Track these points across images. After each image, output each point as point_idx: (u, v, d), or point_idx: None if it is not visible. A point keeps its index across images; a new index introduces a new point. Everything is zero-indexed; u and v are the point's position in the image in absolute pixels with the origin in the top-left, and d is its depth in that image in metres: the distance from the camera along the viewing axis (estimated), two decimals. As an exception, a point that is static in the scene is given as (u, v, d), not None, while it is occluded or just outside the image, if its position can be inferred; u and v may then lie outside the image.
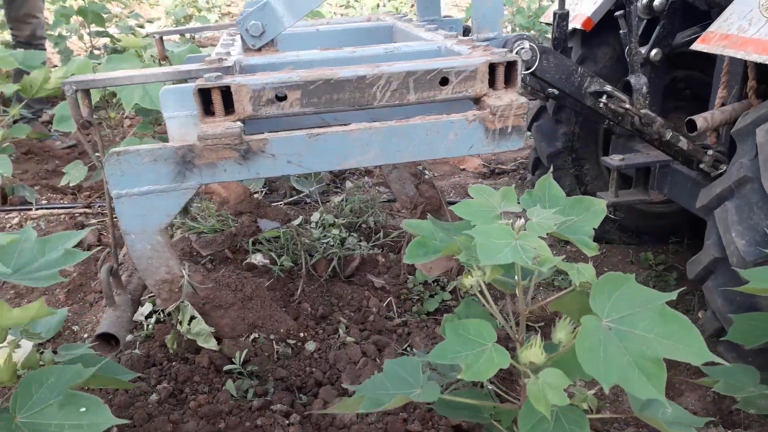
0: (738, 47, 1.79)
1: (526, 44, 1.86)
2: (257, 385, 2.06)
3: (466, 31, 2.55)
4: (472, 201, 1.48)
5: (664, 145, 2.14)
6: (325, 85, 1.49)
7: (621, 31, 2.28)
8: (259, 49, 1.85)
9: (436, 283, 2.63)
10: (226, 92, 1.45)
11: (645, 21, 2.37)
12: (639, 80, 2.08)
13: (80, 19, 5.44)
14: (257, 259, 2.74)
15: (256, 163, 1.44)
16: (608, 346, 1.20)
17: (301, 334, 2.34)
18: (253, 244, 2.75)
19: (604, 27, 2.60)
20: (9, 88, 3.07)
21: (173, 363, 2.17)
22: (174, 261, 1.49)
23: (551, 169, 3.00)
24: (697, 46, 1.96)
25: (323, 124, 1.78)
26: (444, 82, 1.54)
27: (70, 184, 3.23)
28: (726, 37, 1.86)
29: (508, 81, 1.57)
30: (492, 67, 1.55)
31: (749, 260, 1.72)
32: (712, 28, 1.94)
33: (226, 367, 2.03)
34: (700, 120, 2.01)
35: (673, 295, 1.27)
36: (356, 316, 2.48)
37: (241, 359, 2.03)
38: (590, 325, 1.24)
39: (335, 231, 3.03)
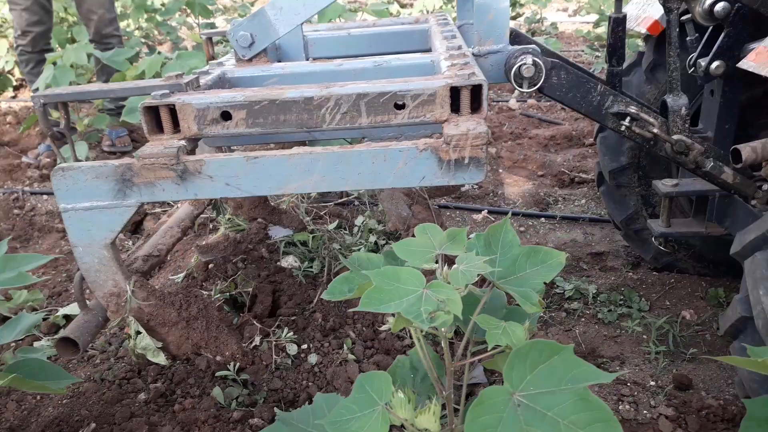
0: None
1: (529, 59, 1.66)
2: (247, 393, 2.07)
3: (515, 37, 2.36)
4: (413, 240, 1.36)
5: (706, 176, 1.84)
6: (271, 105, 1.42)
7: (687, 38, 1.99)
8: (251, 60, 1.82)
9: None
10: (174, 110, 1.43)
11: (708, 29, 2.04)
12: (678, 100, 1.79)
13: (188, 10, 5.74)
14: (288, 261, 2.75)
15: (194, 184, 1.41)
16: (509, 426, 1.05)
17: (304, 346, 2.32)
18: (287, 246, 2.76)
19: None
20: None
21: (176, 363, 2.23)
22: (120, 275, 1.50)
23: (614, 186, 2.74)
24: (744, 63, 1.65)
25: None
26: (400, 106, 1.41)
27: None
28: (780, 55, 1.55)
29: (475, 106, 1.41)
30: (456, 91, 1.40)
31: (774, 326, 1.43)
32: (765, 42, 1.62)
33: (219, 373, 2.05)
34: (747, 150, 1.70)
35: (609, 378, 1.08)
36: (367, 332, 2.40)
37: (236, 366, 2.04)
38: (495, 397, 1.09)
39: (372, 238, 2.97)
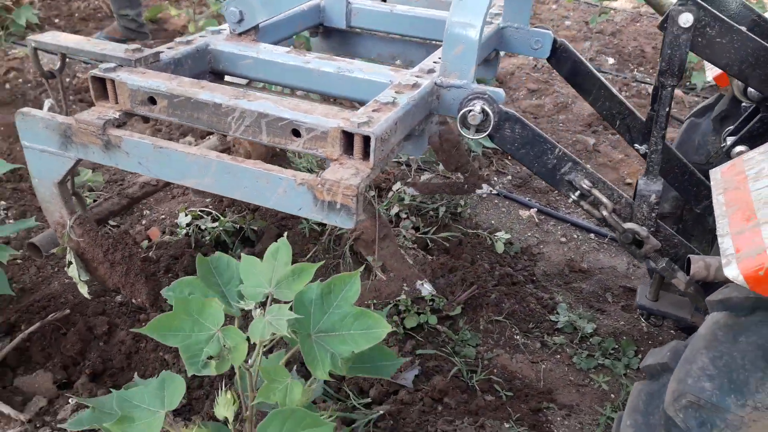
0: None
1: (478, 107, 1.55)
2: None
3: (555, 49, 2.17)
4: (258, 264, 1.39)
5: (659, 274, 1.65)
6: (186, 101, 1.51)
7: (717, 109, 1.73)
8: (240, 35, 1.88)
9: (432, 301, 2.48)
10: (119, 83, 1.58)
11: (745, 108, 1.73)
12: (650, 185, 1.58)
13: None
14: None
15: (116, 156, 1.57)
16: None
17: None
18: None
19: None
20: None
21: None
22: (65, 210, 1.74)
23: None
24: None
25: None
26: (297, 134, 1.43)
27: None
28: None
29: (366, 152, 1.39)
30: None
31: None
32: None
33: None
34: (699, 265, 1.48)
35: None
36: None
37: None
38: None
39: (395, 209, 2.99)
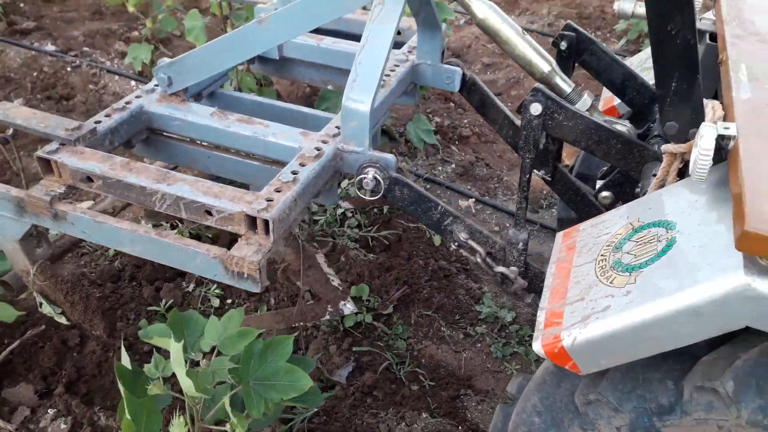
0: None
1: (370, 175, 1.81)
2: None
3: (465, 83, 2.40)
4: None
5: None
6: (118, 183, 1.77)
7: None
8: (171, 95, 2.11)
9: (368, 301, 2.81)
10: (61, 161, 1.83)
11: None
12: (518, 235, 1.87)
13: None
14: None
15: (63, 225, 1.85)
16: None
17: (229, 300, 2.82)
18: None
19: None
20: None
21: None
22: (27, 261, 2.03)
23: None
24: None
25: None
26: (210, 213, 1.71)
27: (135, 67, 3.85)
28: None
29: (267, 230, 1.67)
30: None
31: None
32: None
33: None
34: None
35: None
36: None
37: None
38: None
39: (341, 210, 3.27)
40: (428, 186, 3.63)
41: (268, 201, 1.67)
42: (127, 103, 2.08)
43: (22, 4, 5.11)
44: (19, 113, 1.95)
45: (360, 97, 1.81)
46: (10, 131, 2.05)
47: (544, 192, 3.70)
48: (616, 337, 1.26)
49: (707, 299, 1.13)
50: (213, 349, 1.74)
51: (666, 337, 1.20)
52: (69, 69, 4.27)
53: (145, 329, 1.82)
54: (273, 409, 1.69)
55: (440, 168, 3.81)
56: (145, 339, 1.79)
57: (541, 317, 1.47)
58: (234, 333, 1.70)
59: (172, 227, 3.03)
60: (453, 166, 3.83)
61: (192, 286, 2.83)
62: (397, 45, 2.56)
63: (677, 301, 1.16)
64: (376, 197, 1.87)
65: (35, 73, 4.27)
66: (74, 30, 4.76)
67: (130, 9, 3.90)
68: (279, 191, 1.72)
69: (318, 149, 1.88)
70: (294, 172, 1.78)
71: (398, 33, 2.63)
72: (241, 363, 1.68)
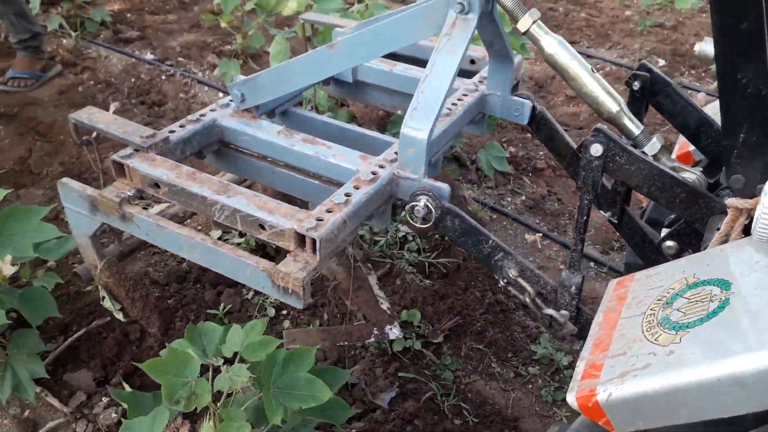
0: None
1: (422, 202, 1.81)
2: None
3: (534, 116, 2.37)
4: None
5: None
6: (182, 191, 1.85)
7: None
8: (243, 111, 2.20)
9: (419, 327, 2.79)
10: (134, 165, 1.94)
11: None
12: (572, 278, 1.81)
13: None
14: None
15: (130, 226, 1.95)
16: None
17: (284, 311, 2.88)
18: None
19: None
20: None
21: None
22: (96, 256, 2.16)
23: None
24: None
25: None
26: (263, 228, 1.76)
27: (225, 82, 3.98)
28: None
29: (314, 249, 1.70)
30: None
31: None
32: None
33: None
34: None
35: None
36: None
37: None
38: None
39: (402, 232, 3.27)
40: (494, 216, 3.58)
41: (318, 220, 1.70)
42: (202, 115, 2.18)
43: (129, 14, 5.48)
44: (101, 118, 2.09)
45: (419, 125, 1.82)
46: (94, 134, 2.20)
47: (618, 234, 3.56)
48: (652, 399, 1.19)
49: (753, 370, 1.05)
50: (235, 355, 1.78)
51: (706, 406, 1.12)
52: (164, 77, 4.53)
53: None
54: (293, 416, 1.70)
55: (509, 199, 3.75)
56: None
57: (580, 367, 1.41)
58: (256, 341, 1.73)
59: (241, 236, 3.14)
60: (523, 197, 3.76)
61: (251, 294, 2.90)
62: (470, 74, 2.56)
63: (720, 368, 1.08)
64: (426, 225, 1.87)
65: (133, 80, 4.55)
66: (173, 41, 5.06)
67: (223, 24, 4.10)
68: (330, 211, 1.74)
69: (374, 173, 1.90)
70: (347, 194, 1.80)
71: (472, 62, 2.66)
72: (263, 370, 1.70)
